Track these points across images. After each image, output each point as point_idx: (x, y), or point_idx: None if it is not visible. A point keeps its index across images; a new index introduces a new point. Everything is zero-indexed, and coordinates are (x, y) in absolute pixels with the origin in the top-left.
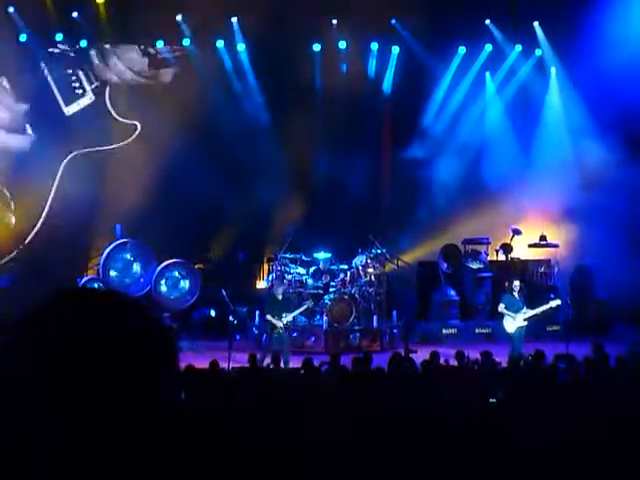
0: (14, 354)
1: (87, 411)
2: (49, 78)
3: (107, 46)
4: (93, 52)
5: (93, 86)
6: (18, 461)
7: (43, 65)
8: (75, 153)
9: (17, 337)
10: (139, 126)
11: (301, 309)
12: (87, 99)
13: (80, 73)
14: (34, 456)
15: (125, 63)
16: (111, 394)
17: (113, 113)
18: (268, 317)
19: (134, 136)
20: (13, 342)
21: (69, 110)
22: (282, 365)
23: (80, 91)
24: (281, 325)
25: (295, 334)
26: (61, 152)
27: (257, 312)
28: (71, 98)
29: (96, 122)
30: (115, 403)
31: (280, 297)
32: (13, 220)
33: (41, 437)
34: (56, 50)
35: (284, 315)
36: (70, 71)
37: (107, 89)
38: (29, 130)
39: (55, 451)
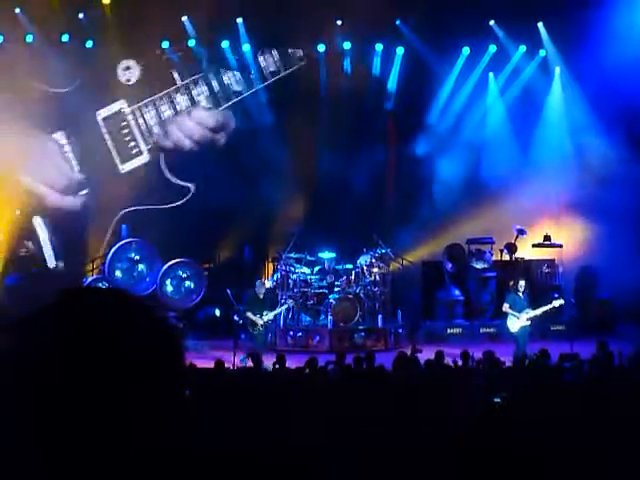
0: (19, 352)
1: (93, 410)
2: (106, 135)
3: (167, 113)
4: (152, 120)
5: (149, 146)
6: (22, 459)
7: (101, 122)
8: (127, 210)
9: (23, 335)
10: (192, 188)
11: (282, 308)
12: (142, 158)
13: (137, 133)
14: (39, 454)
15: (185, 129)
16: (117, 393)
17: (167, 174)
18: (248, 314)
19: (188, 197)
20: (19, 340)
21: (124, 168)
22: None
23: (136, 150)
24: (261, 322)
25: (300, 334)
26: (115, 209)
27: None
28: (127, 156)
29: (150, 181)
30: (121, 402)
31: (261, 296)
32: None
33: (46, 436)
34: (113, 110)
35: (265, 313)
36: (127, 130)
37: (162, 152)
38: (83, 192)
39: (60, 450)
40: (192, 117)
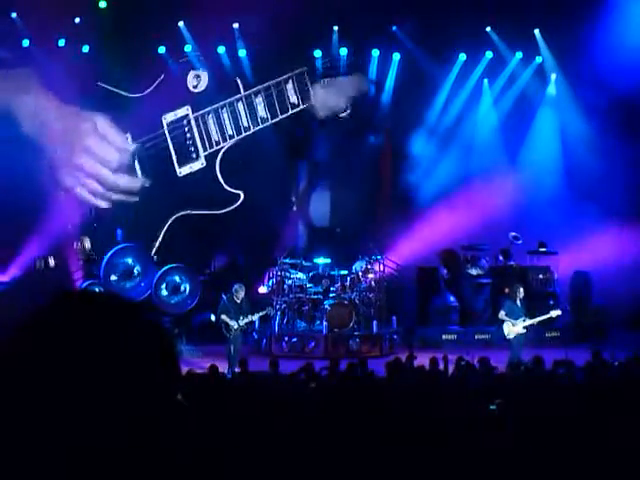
0: (15, 356)
1: (88, 413)
2: (169, 139)
3: (227, 121)
4: (213, 127)
5: (207, 153)
6: (21, 462)
7: (165, 126)
8: (181, 214)
9: (19, 339)
10: (242, 195)
11: (260, 314)
12: (199, 164)
13: (197, 138)
14: (37, 457)
15: None
16: (111, 396)
17: (221, 180)
18: (223, 317)
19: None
20: (14, 344)
21: (181, 171)
22: (229, 368)
23: (194, 155)
24: (236, 326)
25: (295, 340)
26: (169, 210)
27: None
28: (185, 160)
29: (203, 186)
30: (115, 405)
31: (239, 301)
32: None
33: (44, 439)
34: (178, 115)
35: (240, 318)
36: (189, 135)
37: (219, 157)
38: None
39: (58, 452)
40: None
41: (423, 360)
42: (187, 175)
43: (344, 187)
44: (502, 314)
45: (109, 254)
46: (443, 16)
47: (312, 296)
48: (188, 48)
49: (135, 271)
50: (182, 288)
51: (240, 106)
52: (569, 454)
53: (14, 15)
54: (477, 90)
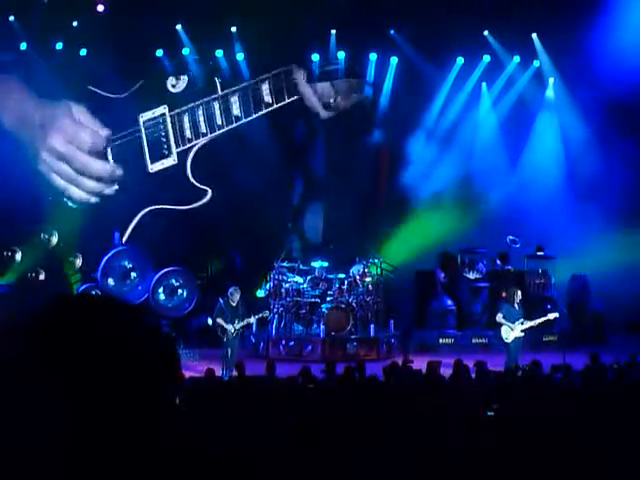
0: (15, 358)
1: (87, 416)
2: (143, 136)
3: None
4: (187, 125)
5: (179, 149)
6: (23, 462)
7: (141, 124)
8: (150, 209)
9: (19, 342)
10: (210, 192)
11: (256, 317)
12: (171, 160)
13: (171, 136)
14: (38, 457)
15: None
16: (111, 399)
17: (190, 177)
18: (218, 320)
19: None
20: (14, 347)
21: (153, 168)
22: (225, 371)
23: (167, 152)
24: (232, 330)
25: (292, 343)
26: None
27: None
28: (157, 157)
29: (174, 183)
30: (116, 408)
31: (234, 304)
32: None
33: (45, 440)
34: (155, 114)
35: (236, 321)
36: (163, 132)
37: (191, 154)
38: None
39: (56, 454)
40: None
41: (420, 364)
42: (159, 171)
43: (340, 197)
44: (499, 317)
45: (107, 257)
46: (441, 20)
47: (309, 299)
48: (186, 51)
49: (133, 274)
50: (179, 291)
51: (216, 105)
52: (566, 458)
53: (12, 18)
54: (475, 94)
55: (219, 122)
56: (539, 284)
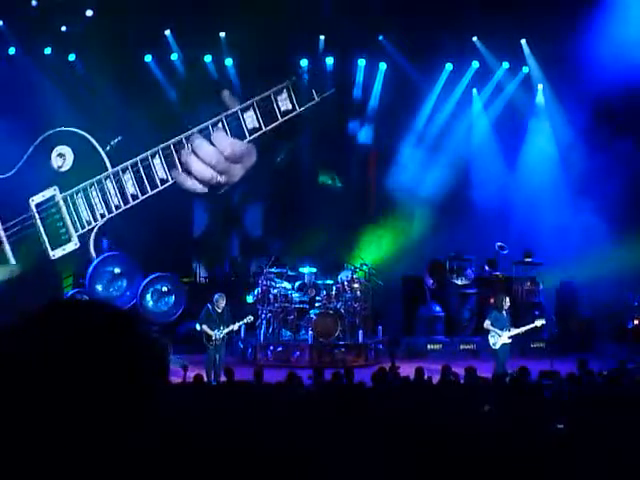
0: (7, 362)
1: (76, 420)
2: (38, 221)
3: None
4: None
5: (79, 233)
6: (19, 462)
7: (34, 208)
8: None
9: (12, 345)
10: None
11: (240, 323)
12: (72, 245)
13: (67, 219)
14: (23, 460)
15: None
16: (102, 402)
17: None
18: (204, 327)
19: None
20: (6, 349)
21: (55, 254)
22: (212, 378)
23: (66, 236)
24: (218, 336)
25: (280, 349)
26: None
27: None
28: (57, 243)
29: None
30: (104, 413)
31: (220, 310)
32: None
33: (38, 440)
34: (45, 197)
35: (221, 327)
36: (58, 216)
37: (92, 235)
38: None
39: (45, 456)
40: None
41: (408, 370)
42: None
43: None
44: (487, 323)
45: (95, 262)
46: (429, 25)
47: (297, 305)
48: (174, 57)
49: (121, 280)
50: (168, 297)
51: (109, 184)
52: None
53: (0, 23)
54: (464, 100)
55: (115, 202)
56: (527, 290)
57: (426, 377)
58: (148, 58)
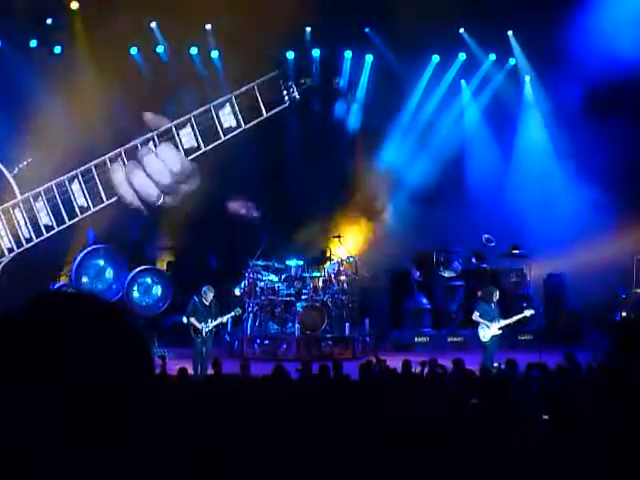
0: None
1: (67, 414)
2: None
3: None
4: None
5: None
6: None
7: None
8: None
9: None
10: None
11: (228, 315)
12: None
13: None
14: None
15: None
16: (90, 396)
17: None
18: (191, 320)
19: None
20: None
21: None
22: (199, 371)
23: None
24: (205, 329)
25: (267, 342)
26: None
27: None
28: None
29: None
30: (92, 406)
31: (207, 303)
32: None
33: (31, 438)
34: None
35: (209, 320)
36: None
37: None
38: None
39: (42, 450)
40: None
41: (395, 363)
42: None
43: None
44: (476, 315)
45: (80, 255)
46: (416, 17)
47: (284, 298)
48: (160, 49)
49: (107, 273)
50: (154, 290)
51: (17, 213)
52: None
53: None
54: (451, 92)
55: (26, 234)
56: (514, 283)
57: (413, 370)
58: (134, 51)
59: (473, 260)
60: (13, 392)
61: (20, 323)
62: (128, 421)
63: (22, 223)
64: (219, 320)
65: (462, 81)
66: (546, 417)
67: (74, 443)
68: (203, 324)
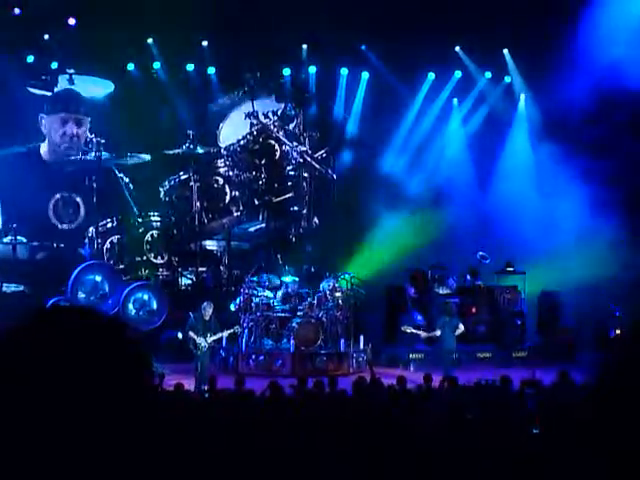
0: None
1: (66, 425)
2: None
3: None
4: None
5: None
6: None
7: None
8: None
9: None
10: None
11: (227, 332)
12: None
13: None
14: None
15: None
16: (90, 408)
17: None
18: (191, 334)
19: None
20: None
21: None
22: (197, 386)
23: None
24: (204, 344)
25: (262, 357)
26: None
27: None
28: None
29: None
30: (92, 421)
31: (207, 318)
32: None
33: (34, 445)
34: None
35: (208, 335)
36: None
37: None
38: None
39: (45, 456)
40: None
41: (390, 380)
42: None
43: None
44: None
45: (77, 271)
46: (412, 35)
47: (279, 314)
48: (157, 65)
49: (103, 288)
50: (149, 306)
51: None
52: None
53: None
54: (446, 109)
55: None
56: (509, 299)
57: (409, 386)
58: (131, 67)
59: (468, 277)
60: (16, 405)
61: (24, 336)
62: (128, 434)
63: None
64: (218, 335)
65: (454, 100)
66: (536, 431)
67: (75, 455)
68: (202, 339)
